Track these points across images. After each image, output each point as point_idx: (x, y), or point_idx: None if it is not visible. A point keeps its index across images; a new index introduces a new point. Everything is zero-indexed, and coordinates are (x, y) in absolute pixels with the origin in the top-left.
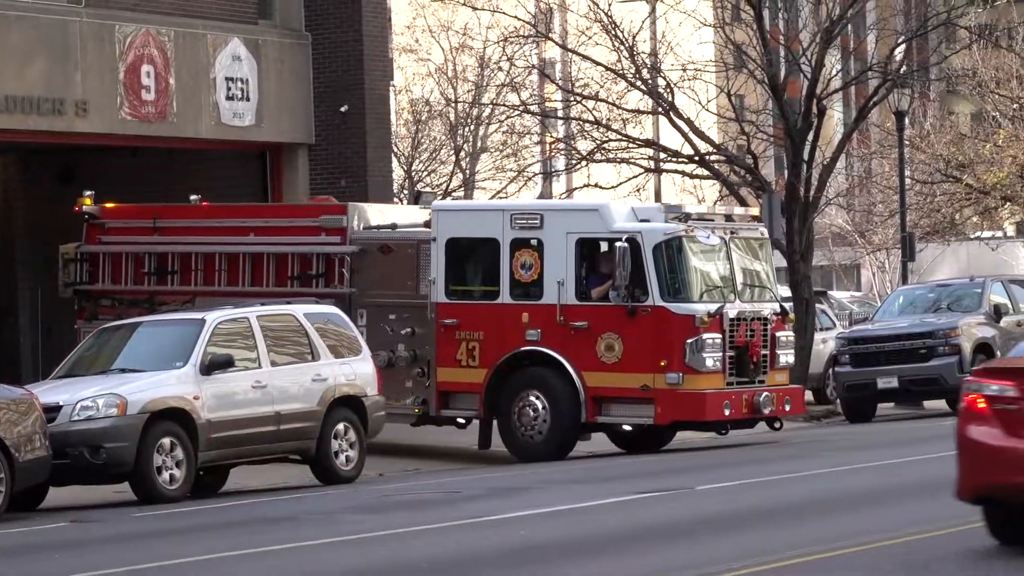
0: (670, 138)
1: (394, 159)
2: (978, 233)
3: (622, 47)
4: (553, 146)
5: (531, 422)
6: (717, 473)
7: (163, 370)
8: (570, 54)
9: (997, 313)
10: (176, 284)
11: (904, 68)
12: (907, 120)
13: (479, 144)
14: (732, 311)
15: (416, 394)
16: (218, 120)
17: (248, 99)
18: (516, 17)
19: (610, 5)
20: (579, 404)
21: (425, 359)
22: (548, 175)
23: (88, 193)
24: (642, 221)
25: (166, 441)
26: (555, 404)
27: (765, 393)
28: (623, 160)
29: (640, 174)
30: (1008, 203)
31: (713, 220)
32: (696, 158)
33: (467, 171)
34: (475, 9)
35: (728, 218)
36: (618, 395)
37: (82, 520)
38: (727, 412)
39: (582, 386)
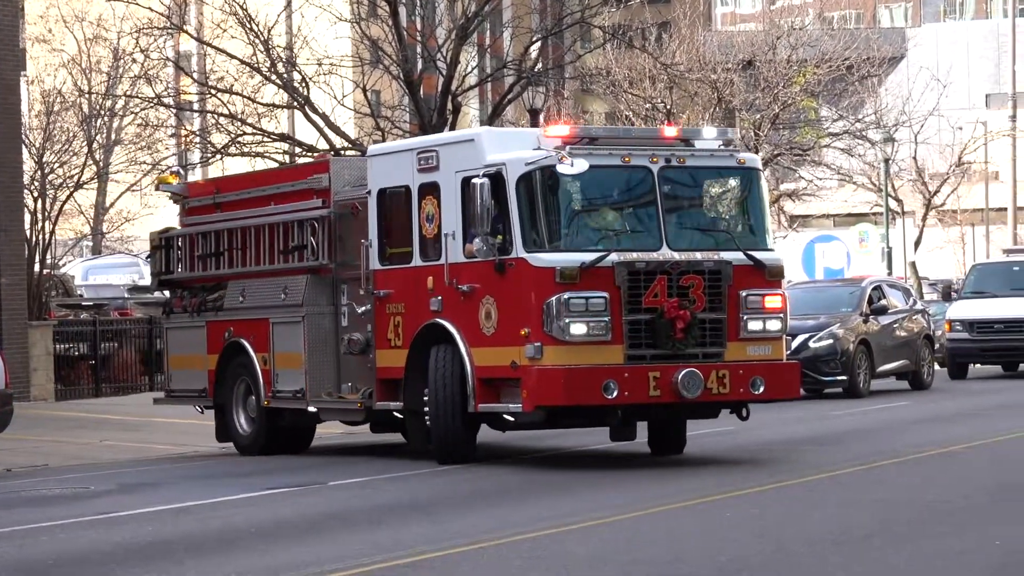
0: (306, 133)
1: (24, 150)
2: None
3: (257, 41)
4: (188, 139)
5: (433, 415)
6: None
7: None
8: (205, 47)
9: None
10: (215, 268)
11: (539, 66)
12: (541, 118)
13: (113, 136)
14: (642, 262)
15: (367, 385)
16: None
17: None
18: (151, 8)
19: None
20: (465, 391)
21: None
22: (183, 168)
23: (173, 169)
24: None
25: None
26: (440, 391)
27: (688, 371)
28: (258, 154)
29: (274, 167)
30: None
31: (632, 143)
32: (332, 153)
33: (100, 163)
34: (109, 0)
35: (686, 142)
36: (496, 376)
37: None
38: (611, 395)
39: (471, 367)
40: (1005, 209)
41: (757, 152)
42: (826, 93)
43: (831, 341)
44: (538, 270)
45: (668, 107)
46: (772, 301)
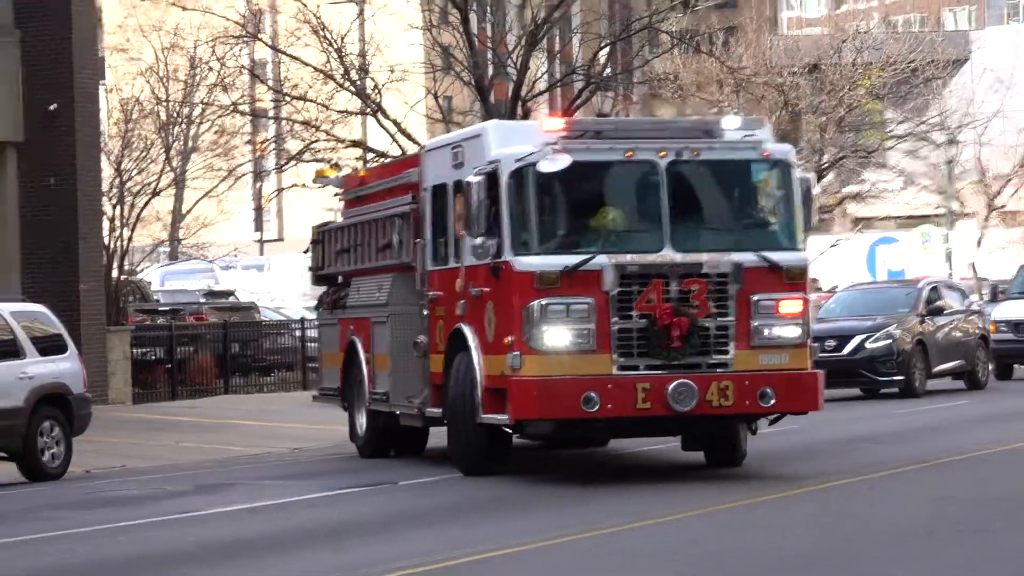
0: (378, 139)
1: (104, 157)
2: None
3: (331, 48)
4: (263, 146)
5: (450, 425)
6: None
7: None
8: (280, 55)
9: None
10: (344, 264)
11: (607, 71)
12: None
13: (190, 143)
14: (634, 264)
15: (426, 392)
16: None
17: None
18: (226, 18)
19: (319, 7)
20: (474, 401)
21: None
22: (258, 175)
23: (332, 162)
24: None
25: None
26: (457, 400)
27: (680, 382)
28: (331, 161)
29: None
30: None
31: (640, 136)
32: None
33: (177, 170)
34: (185, 9)
35: (708, 133)
36: (497, 386)
37: None
38: (593, 408)
39: (480, 376)
40: None
41: (822, 155)
42: (891, 96)
43: (888, 341)
44: (520, 274)
45: (735, 111)
46: (789, 306)
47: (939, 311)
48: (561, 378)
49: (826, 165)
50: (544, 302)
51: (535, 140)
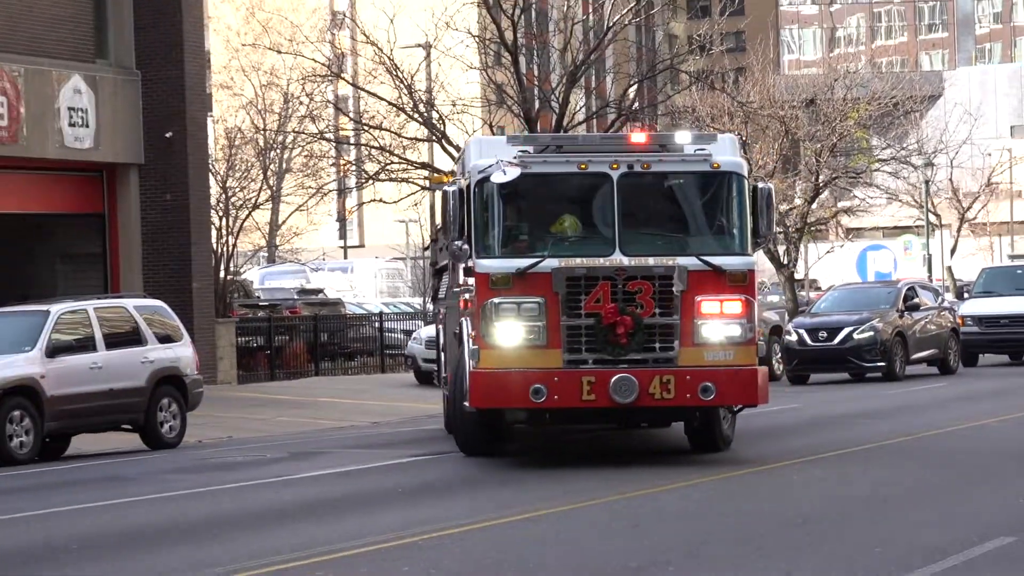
0: (443, 162)
1: (211, 177)
2: None
3: (402, 85)
4: (345, 167)
5: (450, 412)
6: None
7: (13, 353)
8: (359, 91)
9: None
10: (442, 261)
11: (636, 105)
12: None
13: (284, 165)
14: (582, 267)
15: None
16: (62, 143)
17: (88, 126)
18: (314, 60)
19: (392, 50)
20: (463, 389)
21: None
22: (341, 191)
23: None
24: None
25: (16, 413)
26: (455, 390)
27: (621, 376)
28: (403, 179)
29: (417, 191)
30: None
31: (596, 150)
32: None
33: (273, 187)
34: (280, 52)
35: (663, 147)
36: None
37: None
38: (540, 399)
39: (468, 367)
40: None
41: (819, 176)
42: (876, 126)
43: (872, 333)
44: (480, 276)
45: (743, 139)
46: (731, 307)
47: (915, 307)
48: (512, 371)
49: (822, 184)
50: (497, 301)
51: (506, 153)
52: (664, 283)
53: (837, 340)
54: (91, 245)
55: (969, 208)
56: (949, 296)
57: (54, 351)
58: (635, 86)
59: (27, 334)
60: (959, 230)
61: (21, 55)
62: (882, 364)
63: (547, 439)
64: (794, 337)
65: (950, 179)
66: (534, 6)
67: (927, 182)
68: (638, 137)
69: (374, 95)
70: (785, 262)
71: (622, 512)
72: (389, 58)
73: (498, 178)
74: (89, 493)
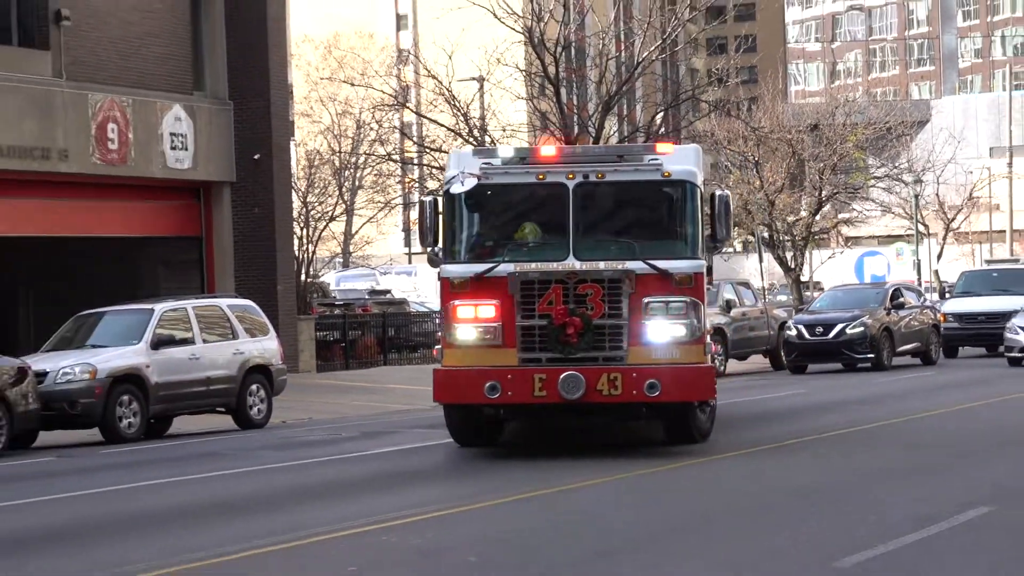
0: None
1: (294, 193)
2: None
3: (459, 113)
4: (410, 184)
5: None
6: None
7: (123, 346)
8: (422, 118)
9: None
10: None
11: (662, 130)
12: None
13: (356, 183)
14: (535, 272)
15: None
16: (164, 164)
17: (187, 149)
18: (382, 91)
19: (451, 83)
20: None
21: None
22: (406, 205)
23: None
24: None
25: (125, 398)
26: None
27: (568, 373)
28: None
29: None
30: (736, 227)
31: (555, 162)
32: None
33: (348, 202)
34: (353, 85)
35: (620, 158)
36: None
37: (63, 455)
38: (494, 395)
39: None
40: (1004, 231)
41: (821, 191)
42: (872, 147)
43: (862, 328)
44: (443, 280)
45: (756, 159)
46: (676, 308)
47: (901, 306)
48: (468, 368)
49: (825, 198)
50: (457, 303)
51: (473, 166)
52: (613, 286)
53: (832, 335)
54: (190, 254)
55: (953, 219)
56: (933, 296)
57: (158, 344)
58: (661, 113)
59: (134, 329)
60: (945, 238)
61: (130, 88)
62: (871, 356)
63: (542, 431)
64: (794, 332)
65: (937, 194)
66: (573, 44)
67: (916, 196)
68: (600, 148)
69: (435, 121)
70: (792, 266)
71: (635, 487)
72: (448, 89)
73: (456, 188)
74: (190, 466)
